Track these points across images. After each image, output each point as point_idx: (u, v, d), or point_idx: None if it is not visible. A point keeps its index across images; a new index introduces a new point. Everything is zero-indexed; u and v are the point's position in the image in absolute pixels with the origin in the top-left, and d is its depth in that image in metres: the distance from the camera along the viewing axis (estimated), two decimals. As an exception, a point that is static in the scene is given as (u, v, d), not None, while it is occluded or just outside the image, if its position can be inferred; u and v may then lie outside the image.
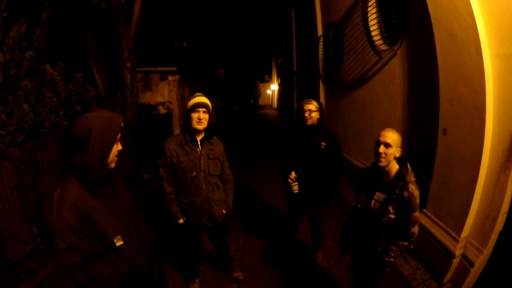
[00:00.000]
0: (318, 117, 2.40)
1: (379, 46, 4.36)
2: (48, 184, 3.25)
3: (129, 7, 5.84)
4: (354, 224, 1.87)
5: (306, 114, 2.35)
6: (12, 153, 2.82)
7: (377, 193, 1.67)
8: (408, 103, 3.67)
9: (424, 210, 2.89)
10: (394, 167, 1.62)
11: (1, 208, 2.69)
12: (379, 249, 1.68)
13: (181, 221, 2.19)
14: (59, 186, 1.14)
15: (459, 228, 2.42)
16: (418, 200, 1.56)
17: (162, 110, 7.81)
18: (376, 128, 4.21)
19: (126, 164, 5.26)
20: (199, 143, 2.11)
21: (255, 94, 33.02)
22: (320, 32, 7.52)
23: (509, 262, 2.15)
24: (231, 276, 2.70)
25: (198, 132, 2.08)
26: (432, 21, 2.62)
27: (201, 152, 2.11)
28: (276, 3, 19.89)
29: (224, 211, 2.31)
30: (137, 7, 5.88)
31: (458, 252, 2.40)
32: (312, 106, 2.35)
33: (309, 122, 2.37)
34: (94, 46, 5.84)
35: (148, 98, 8.77)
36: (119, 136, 1.18)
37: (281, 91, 24.24)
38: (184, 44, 11.97)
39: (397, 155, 1.60)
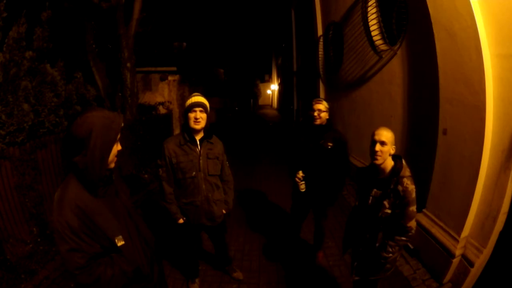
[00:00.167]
0: (327, 117, 2.40)
1: (379, 46, 4.36)
2: (48, 184, 3.25)
3: (129, 7, 5.84)
4: (354, 223, 1.89)
5: (316, 114, 2.36)
6: (12, 153, 2.82)
7: (374, 190, 1.71)
8: (408, 103, 3.67)
9: (424, 210, 2.89)
10: (390, 163, 1.67)
11: (1, 208, 2.69)
12: (377, 244, 1.70)
13: (181, 221, 2.19)
14: (60, 186, 1.14)
15: (459, 228, 2.42)
16: (414, 195, 1.59)
17: (162, 110, 7.80)
18: (376, 128, 4.21)
19: (126, 164, 5.26)
20: (198, 143, 2.11)
21: (255, 94, 33.00)
22: (320, 32, 7.52)
23: (509, 262, 2.15)
24: (231, 276, 2.70)
25: (197, 131, 2.08)
26: (432, 21, 2.62)
27: (200, 152, 2.11)
28: (276, 3, 19.91)
29: (224, 211, 2.31)
30: (137, 7, 5.88)
31: (458, 252, 2.40)
32: (322, 106, 2.35)
33: (318, 122, 2.37)
34: (94, 46, 5.84)
35: (148, 98, 8.77)
36: (119, 136, 1.17)
37: (281, 91, 24.24)
38: (184, 44, 11.97)
39: (392, 152, 1.64)
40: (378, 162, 1.63)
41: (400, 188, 1.58)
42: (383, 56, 4.17)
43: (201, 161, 2.11)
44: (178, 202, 2.17)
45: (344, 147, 2.44)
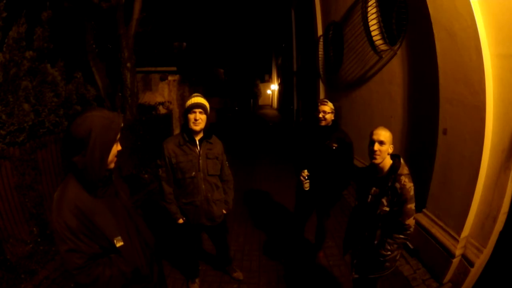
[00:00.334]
0: (332, 118, 2.43)
1: (379, 46, 4.36)
2: (48, 184, 3.25)
3: (129, 7, 5.84)
4: (354, 222, 1.90)
5: (320, 115, 2.39)
6: (12, 153, 2.82)
7: (373, 188, 1.73)
8: (408, 103, 3.67)
9: (424, 210, 2.89)
10: (388, 162, 1.69)
11: (1, 208, 2.69)
12: (375, 242, 1.71)
13: (180, 221, 2.19)
14: (59, 186, 1.14)
15: (459, 228, 2.42)
16: (412, 193, 1.60)
17: (162, 110, 7.80)
18: (376, 128, 4.21)
19: (126, 164, 5.26)
20: (197, 143, 2.11)
21: (255, 94, 32.99)
22: (320, 32, 7.52)
23: (509, 262, 2.15)
24: (231, 276, 2.70)
25: (196, 132, 2.08)
26: (432, 21, 2.62)
27: (199, 152, 2.11)
28: (276, 3, 19.90)
29: (224, 211, 2.31)
30: (137, 7, 5.88)
31: (458, 252, 2.40)
32: (327, 107, 2.38)
33: (323, 123, 2.41)
34: (94, 46, 5.83)
35: (148, 98, 8.76)
36: (118, 136, 1.17)
37: (281, 91, 24.23)
38: (184, 44, 11.95)
39: (390, 151, 1.66)
40: (377, 161, 1.65)
41: (397, 185, 1.60)
42: (383, 56, 4.17)
43: (200, 161, 2.11)
44: (178, 202, 2.17)
45: (349, 148, 2.46)
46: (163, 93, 9.56)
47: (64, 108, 3.65)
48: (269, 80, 36.81)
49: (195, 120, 2.01)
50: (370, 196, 1.74)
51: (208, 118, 2.10)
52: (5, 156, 2.74)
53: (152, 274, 1.35)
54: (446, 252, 2.48)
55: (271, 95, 36.37)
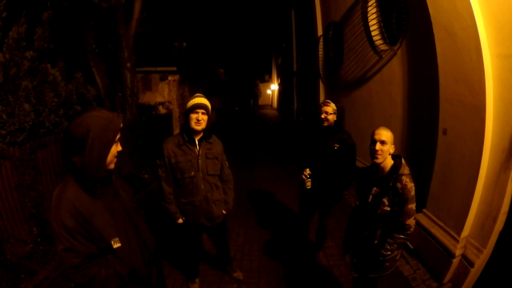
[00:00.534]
0: (335, 119, 2.46)
1: (379, 46, 4.36)
2: (48, 184, 3.25)
3: (129, 7, 5.83)
4: (355, 223, 1.90)
5: (323, 116, 2.43)
6: (12, 153, 2.82)
7: (374, 188, 1.73)
8: (408, 103, 3.67)
9: (424, 210, 2.89)
10: (390, 162, 1.69)
11: (1, 208, 2.69)
12: (376, 242, 1.71)
13: (180, 221, 2.19)
14: (58, 186, 1.14)
15: (459, 228, 2.42)
16: (413, 193, 1.60)
17: (162, 110, 7.80)
18: (376, 128, 4.22)
19: (126, 164, 5.25)
20: (197, 143, 2.11)
21: (255, 94, 33.00)
22: (320, 32, 7.52)
23: (509, 262, 2.15)
24: (231, 276, 2.70)
25: (197, 132, 2.08)
26: (432, 21, 2.62)
27: (199, 152, 2.11)
28: (276, 3, 19.91)
29: (223, 211, 2.31)
30: (137, 7, 5.88)
31: (458, 252, 2.40)
32: (329, 108, 2.41)
33: (326, 123, 2.45)
34: (94, 46, 5.83)
35: (148, 98, 8.76)
36: (118, 136, 1.16)
37: (281, 91, 24.23)
38: (184, 44, 11.94)
39: (392, 151, 1.67)
40: (378, 161, 1.65)
41: (399, 185, 1.60)
42: (383, 56, 4.17)
43: (199, 161, 2.11)
44: (177, 202, 2.17)
45: (351, 149, 2.48)
46: (163, 93, 9.56)
47: (64, 108, 3.65)
48: (269, 80, 36.82)
49: (198, 120, 2.02)
50: (370, 196, 1.74)
51: (209, 119, 2.10)
52: (5, 156, 2.74)
53: (151, 276, 1.34)
54: (446, 252, 2.48)
55: (271, 95, 36.37)
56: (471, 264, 2.30)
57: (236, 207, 3.70)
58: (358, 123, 5.31)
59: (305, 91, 11.14)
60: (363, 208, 1.79)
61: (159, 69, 9.56)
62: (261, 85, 36.90)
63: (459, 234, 2.42)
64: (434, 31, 2.61)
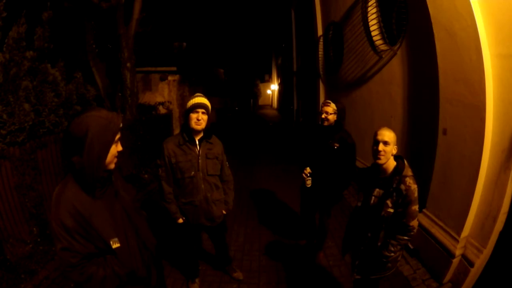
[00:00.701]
0: (335, 119, 2.49)
1: (379, 46, 4.36)
2: (48, 184, 3.25)
3: (129, 7, 5.84)
4: (355, 223, 1.89)
5: (323, 116, 2.47)
6: (12, 153, 2.82)
7: (377, 189, 1.72)
8: (408, 103, 3.67)
9: (424, 210, 2.89)
10: (392, 164, 1.68)
11: (1, 208, 2.69)
12: (379, 243, 1.70)
13: (180, 221, 2.19)
14: (58, 185, 1.14)
15: (459, 228, 2.42)
16: (416, 194, 1.60)
17: (162, 110, 7.80)
18: (376, 128, 4.20)
19: (126, 164, 5.25)
20: (197, 143, 2.11)
21: (255, 94, 33.01)
22: (320, 32, 7.52)
23: (509, 262, 2.15)
24: (231, 276, 2.70)
25: (197, 132, 2.08)
26: (432, 21, 2.62)
27: (199, 151, 2.11)
28: (276, 3, 19.90)
29: (223, 211, 2.31)
30: (137, 7, 5.88)
31: (458, 252, 2.40)
32: (330, 108, 2.45)
33: (326, 123, 2.49)
34: (94, 46, 5.83)
35: (148, 98, 8.76)
36: (118, 136, 1.16)
37: (281, 91, 24.23)
38: (184, 44, 11.95)
39: (394, 152, 1.66)
40: (381, 161, 1.64)
41: (403, 187, 1.59)
42: (383, 56, 4.17)
43: (200, 161, 2.11)
44: (177, 202, 2.17)
45: (351, 149, 2.50)
46: (163, 93, 9.56)
47: (64, 108, 3.65)
48: (269, 80, 36.81)
49: (198, 120, 2.01)
50: (373, 197, 1.73)
51: (209, 119, 2.10)
52: (5, 156, 2.74)
53: (150, 277, 1.34)
54: (446, 252, 2.48)
55: (271, 95, 36.37)
56: (471, 264, 2.30)
57: (236, 207, 3.70)
58: (358, 123, 5.31)
59: (305, 91, 11.13)
60: (365, 209, 1.78)
61: (159, 69, 9.57)
62: (261, 85, 36.89)
63: (459, 234, 2.42)
64: (434, 31, 2.61)
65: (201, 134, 2.12)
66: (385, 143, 1.61)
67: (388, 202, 1.63)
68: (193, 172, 2.10)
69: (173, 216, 2.17)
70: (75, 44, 6.11)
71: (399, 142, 3.71)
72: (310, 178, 2.56)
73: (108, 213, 1.18)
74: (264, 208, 4.33)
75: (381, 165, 1.66)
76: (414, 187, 1.59)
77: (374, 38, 4.37)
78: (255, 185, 5.40)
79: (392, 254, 1.66)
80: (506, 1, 2.02)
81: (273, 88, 32.39)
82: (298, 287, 2.62)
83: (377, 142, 1.64)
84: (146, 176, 5.50)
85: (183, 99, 10.04)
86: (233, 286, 2.63)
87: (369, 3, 4.38)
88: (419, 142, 3.38)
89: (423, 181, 2.83)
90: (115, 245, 1.16)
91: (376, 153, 1.64)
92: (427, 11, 2.67)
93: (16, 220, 2.85)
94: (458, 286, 2.38)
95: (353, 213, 1.95)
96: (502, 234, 2.22)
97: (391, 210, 1.63)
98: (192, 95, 2.12)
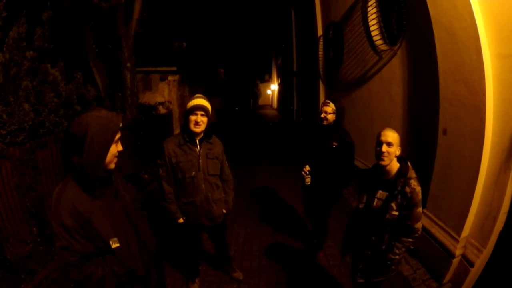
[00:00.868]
0: (334, 118, 2.54)
1: (379, 46, 4.36)
2: (48, 184, 3.25)
3: (129, 7, 5.84)
4: (356, 225, 1.87)
5: (322, 115, 2.53)
6: (12, 153, 2.82)
7: (380, 192, 1.69)
8: (408, 103, 3.67)
9: (424, 210, 2.88)
10: (395, 165, 1.66)
11: (1, 208, 2.69)
12: (383, 246, 1.69)
13: (180, 220, 2.19)
14: (58, 186, 1.14)
15: (459, 228, 2.42)
16: (420, 196, 1.59)
17: (162, 110, 7.81)
18: (376, 128, 4.22)
19: (126, 164, 5.26)
20: (197, 143, 2.11)
21: (255, 94, 33.02)
22: (320, 32, 7.52)
23: (509, 262, 2.15)
24: (231, 276, 2.70)
25: (197, 133, 2.08)
26: (432, 21, 2.62)
27: (199, 151, 2.11)
28: (276, 3, 19.91)
29: (224, 211, 2.31)
30: (137, 7, 5.88)
31: (458, 252, 2.40)
32: (329, 108, 2.51)
33: (325, 122, 2.54)
34: (94, 46, 5.83)
35: (148, 98, 8.77)
36: (118, 136, 1.16)
37: (281, 91, 24.23)
38: (184, 44, 11.95)
39: (398, 153, 1.63)
40: (385, 163, 1.61)
41: (407, 189, 1.57)
42: (383, 56, 4.17)
43: (200, 161, 2.11)
44: (178, 202, 2.17)
45: (349, 148, 2.52)
46: (163, 93, 9.57)
47: (64, 108, 3.65)
48: (269, 80, 36.82)
49: (196, 122, 2.00)
50: (375, 199, 1.70)
51: (209, 120, 2.09)
52: (5, 156, 2.74)
53: (150, 277, 1.34)
54: (446, 252, 2.48)
55: (271, 95, 36.37)
56: (471, 264, 2.30)
57: (236, 206, 3.70)
58: (358, 123, 5.30)
59: (305, 91, 11.13)
60: (368, 212, 1.74)
61: (159, 69, 9.57)
62: (261, 85, 36.91)
63: (459, 234, 2.42)
64: (434, 31, 2.61)
65: (201, 135, 2.12)
66: (389, 144, 1.59)
67: (393, 204, 1.61)
68: (194, 172, 2.10)
69: (174, 216, 2.17)
70: (75, 44, 6.11)
71: (399, 142, 3.72)
72: (309, 176, 2.61)
73: (108, 213, 1.18)
74: (264, 207, 4.33)
75: (384, 166, 1.63)
76: (418, 189, 1.58)
77: (374, 38, 4.37)
78: (255, 185, 5.40)
79: (397, 256, 1.65)
80: (506, 1, 2.02)
81: (273, 88, 32.40)
82: (298, 287, 2.62)
83: (380, 143, 1.61)
84: (146, 176, 5.50)
85: (183, 99, 10.05)
86: (233, 286, 2.63)
87: (369, 3, 4.37)
88: (419, 142, 3.38)
89: (423, 181, 2.82)
90: (115, 245, 1.16)
91: (379, 154, 1.62)
92: (427, 11, 2.67)
93: (16, 220, 2.85)
94: (458, 286, 2.38)
95: (354, 214, 1.93)
96: (502, 234, 2.22)
97: (396, 213, 1.60)
98: (192, 95, 2.12)
